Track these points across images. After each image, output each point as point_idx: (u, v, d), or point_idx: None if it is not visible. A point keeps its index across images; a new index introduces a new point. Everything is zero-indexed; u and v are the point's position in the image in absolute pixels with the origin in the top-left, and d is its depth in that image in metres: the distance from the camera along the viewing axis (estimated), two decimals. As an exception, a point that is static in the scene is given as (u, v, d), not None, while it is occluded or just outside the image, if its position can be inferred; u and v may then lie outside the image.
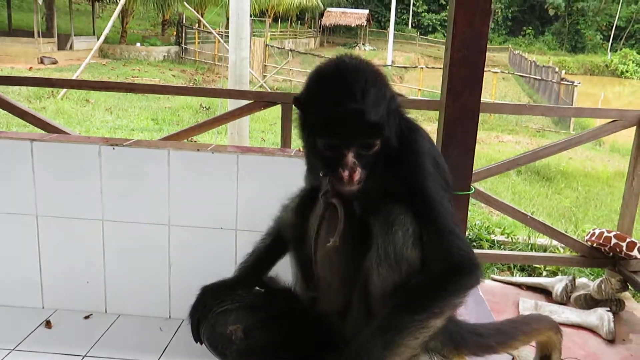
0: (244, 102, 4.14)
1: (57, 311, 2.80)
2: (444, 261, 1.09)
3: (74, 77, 13.16)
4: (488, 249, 4.71)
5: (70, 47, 23.28)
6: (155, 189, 2.73)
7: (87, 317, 2.79)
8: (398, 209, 1.11)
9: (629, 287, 3.90)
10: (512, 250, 4.80)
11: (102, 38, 15.74)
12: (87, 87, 5.03)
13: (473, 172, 3.78)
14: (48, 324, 2.69)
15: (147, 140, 3.07)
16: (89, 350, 2.55)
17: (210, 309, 1.27)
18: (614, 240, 3.84)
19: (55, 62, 19.88)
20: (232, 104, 6.88)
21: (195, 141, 6.65)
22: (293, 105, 1.22)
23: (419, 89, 19.47)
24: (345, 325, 1.20)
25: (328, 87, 1.13)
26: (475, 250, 1.23)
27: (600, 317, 3.53)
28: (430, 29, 49.57)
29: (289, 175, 2.74)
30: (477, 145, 2.66)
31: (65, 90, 12.91)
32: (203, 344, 1.33)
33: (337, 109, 1.09)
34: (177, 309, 2.83)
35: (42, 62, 19.58)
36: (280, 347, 1.27)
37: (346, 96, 1.09)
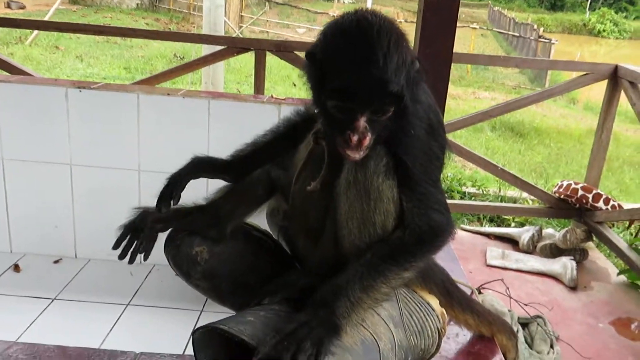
0: (217, 49, 4.06)
1: (26, 255, 2.78)
2: (424, 223, 1.10)
3: (42, 24, 12.72)
4: (459, 200, 4.78)
5: (39, -7, 22.43)
6: (125, 133, 2.68)
7: (56, 262, 2.78)
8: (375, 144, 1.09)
9: (593, 237, 4.02)
10: (482, 201, 4.88)
11: (71, -17, 15.18)
12: (54, 29, 4.87)
13: (447, 123, 3.81)
14: (17, 267, 2.68)
15: (115, 84, 3.01)
16: (58, 293, 2.55)
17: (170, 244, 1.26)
18: (580, 192, 3.93)
19: (23, 7, 19.17)
20: (206, 53, 6.75)
21: (168, 90, 6.51)
22: (305, 59, 1.13)
23: (397, 44, 19.23)
24: (315, 252, 1.21)
25: (349, 47, 1.04)
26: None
27: (564, 265, 3.63)
28: (410, -17, 48.78)
29: (262, 122, 2.72)
30: (453, 101, 2.66)
31: (33, 35, 12.52)
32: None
33: (358, 75, 1.02)
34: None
35: (9, 6, 18.86)
36: (246, 271, 1.28)
37: (368, 61, 1.02)
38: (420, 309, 1.20)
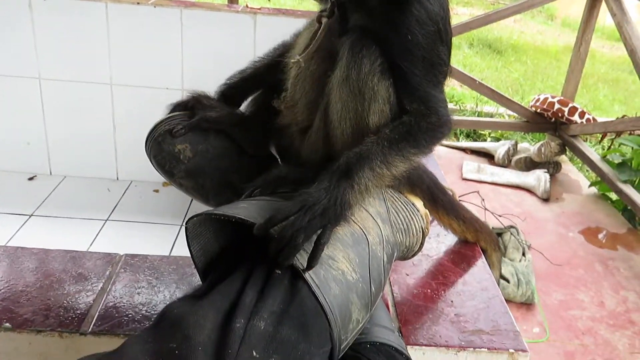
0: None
1: (-1, 172, 2.74)
2: (428, 112, 1.08)
3: None
4: (436, 116, 4.76)
5: None
6: (94, 45, 2.58)
7: (31, 179, 2.74)
8: (371, 40, 1.05)
9: (567, 151, 4.08)
10: (459, 116, 4.88)
11: None
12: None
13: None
14: (-10, 184, 2.64)
15: (82, -8, 2.86)
16: (35, 210, 2.53)
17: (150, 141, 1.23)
18: (557, 106, 3.95)
19: None
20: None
21: None
22: None
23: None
24: (302, 146, 1.20)
25: None
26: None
27: (537, 178, 3.70)
28: None
29: (237, 33, 2.64)
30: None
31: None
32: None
33: None
34: (124, 171, 2.80)
35: None
36: (231, 170, 1.26)
37: None
38: (406, 208, 1.20)
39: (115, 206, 2.63)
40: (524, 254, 2.88)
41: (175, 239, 2.47)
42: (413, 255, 1.27)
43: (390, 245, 1.11)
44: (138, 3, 2.56)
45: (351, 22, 1.10)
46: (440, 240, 1.51)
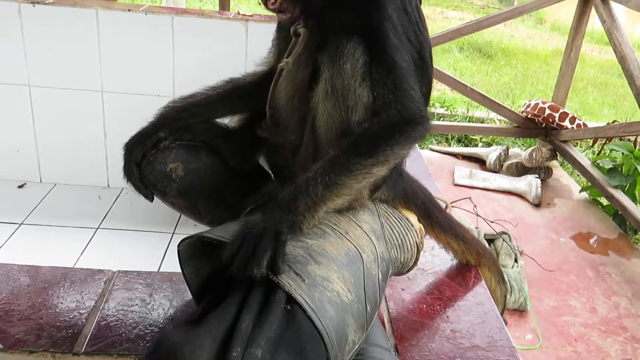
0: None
1: (-12, 180, 2.70)
2: (394, 109, 1.03)
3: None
4: (428, 121, 4.77)
5: None
6: (85, 52, 2.56)
7: (21, 187, 2.71)
8: (350, 42, 1.03)
9: (558, 156, 4.10)
10: (450, 122, 4.90)
11: None
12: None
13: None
14: (-21, 193, 2.61)
15: (72, -1, 2.84)
16: (25, 218, 2.50)
17: (144, 159, 1.21)
18: (547, 111, 3.96)
19: None
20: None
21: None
22: None
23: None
24: (294, 164, 1.19)
25: None
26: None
27: (529, 183, 3.72)
28: None
29: (228, 40, 2.63)
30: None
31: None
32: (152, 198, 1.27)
33: None
34: (115, 178, 2.78)
35: None
36: (223, 187, 1.25)
37: None
38: (400, 224, 1.20)
39: (106, 214, 2.61)
40: (516, 260, 2.89)
41: (167, 247, 2.45)
42: (408, 271, 1.27)
43: (385, 262, 1.11)
44: (129, 10, 2.54)
45: (327, 28, 1.10)
46: (434, 254, 1.50)
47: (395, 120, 1.03)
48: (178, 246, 0.97)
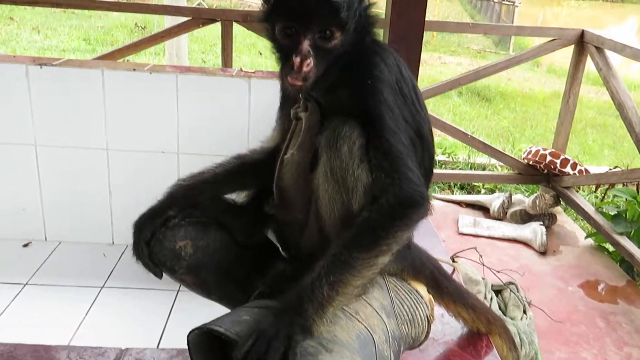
0: (182, 20, 3.94)
1: (-7, 240, 2.70)
2: (392, 193, 1.04)
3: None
4: (429, 168, 4.79)
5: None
6: (91, 111, 2.60)
7: (26, 245, 2.71)
8: (347, 124, 1.06)
9: (561, 202, 4.10)
10: (452, 169, 4.92)
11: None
12: (9, 2, 4.66)
13: (417, 92, 3.79)
14: (-16, 253, 2.60)
15: (78, 60, 2.91)
16: (30, 278, 2.49)
17: (153, 237, 1.22)
18: (549, 158, 3.99)
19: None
20: (169, 22, 6.56)
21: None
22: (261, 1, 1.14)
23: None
24: (302, 241, 1.19)
25: None
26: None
27: (533, 230, 3.71)
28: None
29: (231, 96, 2.68)
30: (420, 67, 2.64)
31: (-15, 7, 11.97)
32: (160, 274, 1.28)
33: None
34: (120, 235, 2.78)
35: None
36: (232, 264, 1.25)
37: None
38: (409, 297, 1.19)
39: (111, 272, 2.60)
40: (524, 312, 2.85)
41: (172, 305, 2.44)
42: (420, 344, 1.25)
43: (397, 340, 1.09)
44: (134, 70, 2.59)
45: (325, 108, 1.13)
46: (444, 322, 1.48)
47: (394, 205, 1.04)
48: (188, 336, 0.96)
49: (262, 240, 1.34)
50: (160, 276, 1.26)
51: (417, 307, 1.19)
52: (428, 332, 1.23)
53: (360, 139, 1.05)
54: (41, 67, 2.53)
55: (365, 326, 1.03)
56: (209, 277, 1.24)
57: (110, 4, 4.16)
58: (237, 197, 1.34)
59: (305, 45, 1.04)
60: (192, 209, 1.25)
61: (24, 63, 2.54)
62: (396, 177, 1.04)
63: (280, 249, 1.33)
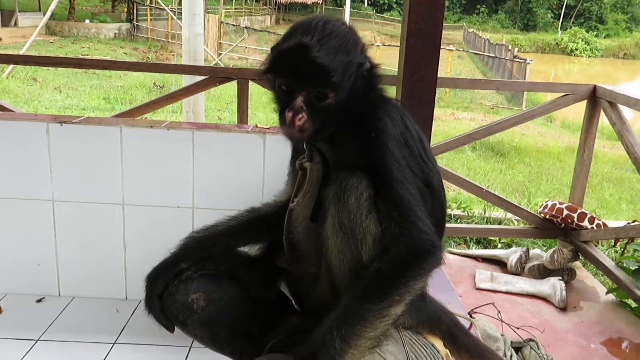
0: (199, 79, 4.05)
1: (8, 295, 2.70)
2: (403, 243, 1.04)
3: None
4: (445, 223, 4.77)
5: (15, 24, 22.30)
6: (108, 167, 2.64)
7: (39, 301, 2.70)
8: (354, 176, 1.07)
9: (580, 256, 4.03)
10: (468, 223, 4.88)
11: (48, 14, 15.03)
12: (33, 63, 4.83)
13: (431, 146, 3.82)
14: (-2, 308, 2.60)
15: (97, 117, 2.97)
16: (42, 334, 2.47)
17: (166, 290, 1.22)
18: (565, 212, 3.95)
19: (-1, 40, 19.05)
20: (186, 82, 6.73)
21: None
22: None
23: (376, 67, 19.43)
24: (314, 294, 1.18)
25: (293, 30, 1.14)
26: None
27: (552, 286, 3.63)
28: (386, 7, 49.66)
29: (246, 152, 2.71)
30: (434, 123, 2.67)
31: (10, 68, 12.40)
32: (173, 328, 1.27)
33: (287, 42, 1.11)
34: (133, 290, 2.76)
35: (-16, 39, 18.72)
36: (245, 317, 1.23)
37: (301, 33, 1.09)
38: (425, 351, 1.16)
39: (123, 328, 2.57)
40: (546, 370, 2.76)
41: (184, 362, 2.40)
42: (436, 400, 1.21)
43: (412, 394, 1.06)
44: (151, 126, 2.65)
45: (330, 161, 1.15)
46: (463, 377, 1.44)
47: (405, 254, 1.04)
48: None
49: (276, 294, 1.33)
50: (172, 330, 1.24)
51: (433, 362, 1.16)
52: (446, 388, 1.19)
53: (368, 190, 1.06)
54: (61, 125, 2.59)
55: (379, 381, 1.00)
56: (221, 331, 1.22)
57: (130, 64, 4.31)
58: (251, 250, 1.34)
59: (299, 101, 1.09)
60: (205, 261, 1.25)
61: (44, 121, 2.60)
62: (406, 226, 1.04)
63: (294, 302, 1.31)
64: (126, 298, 2.78)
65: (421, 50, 2.43)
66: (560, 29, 40.48)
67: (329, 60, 1.06)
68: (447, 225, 4.64)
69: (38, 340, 2.43)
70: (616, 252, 4.44)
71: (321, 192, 1.13)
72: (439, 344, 1.21)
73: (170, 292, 1.20)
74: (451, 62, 19.35)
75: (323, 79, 1.07)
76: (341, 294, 1.07)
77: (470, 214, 5.12)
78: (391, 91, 1.29)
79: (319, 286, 1.17)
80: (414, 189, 1.09)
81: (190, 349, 2.46)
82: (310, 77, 1.08)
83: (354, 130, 1.13)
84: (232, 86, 3.98)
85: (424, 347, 1.16)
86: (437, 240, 1.07)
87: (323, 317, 1.02)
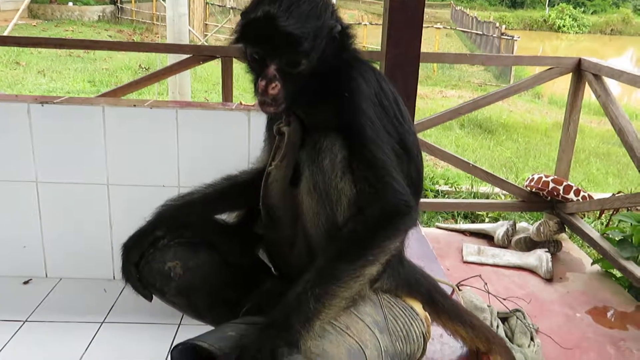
0: (183, 57, 4.01)
1: (-6, 278, 2.69)
2: (377, 204, 1.04)
3: (1, 40, 12.41)
4: (433, 198, 4.80)
5: (-4, 8, 21.95)
6: (91, 147, 2.62)
7: (26, 282, 2.69)
8: (327, 138, 1.07)
9: (566, 228, 4.07)
10: (456, 198, 4.91)
11: (30, -3, 14.84)
12: (13, 44, 4.76)
13: (417, 122, 3.82)
14: (-16, 291, 2.59)
15: (79, 97, 2.95)
16: (29, 315, 2.47)
17: (142, 259, 1.21)
18: (551, 185, 3.97)
19: (-20, 24, 18.73)
20: (172, 62, 6.67)
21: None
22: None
23: (363, 46, 19.40)
24: (291, 258, 1.18)
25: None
26: (420, 200, 1.17)
27: (539, 258, 3.67)
28: (373, -14, 49.28)
29: (231, 130, 2.69)
30: (421, 101, 2.67)
31: (-8, 52, 12.22)
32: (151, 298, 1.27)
33: (255, 11, 1.08)
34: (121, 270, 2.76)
35: (-35, 24, 18.41)
36: (223, 284, 1.23)
37: (268, 3, 1.07)
38: (404, 313, 1.17)
39: (111, 307, 2.57)
40: (532, 339, 2.80)
41: (173, 339, 2.40)
42: (416, 362, 1.23)
43: (390, 356, 1.08)
44: (134, 105, 2.62)
45: (307, 124, 1.14)
46: (443, 342, 1.46)
47: (379, 215, 1.04)
48: (172, 351, 0.95)
49: (254, 260, 1.33)
50: (150, 299, 1.25)
51: (412, 324, 1.17)
52: (424, 349, 1.21)
53: (342, 151, 1.06)
54: (42, 105, 2.56)
55: (356, 341, 1.01)
56: (199, 298, 1.22)
57: (112, 44, 4.25)
58: (228, 217, 1.34)
59: (271, 70, 1.08)
60: (181, 229, 1.25)
61: (25, 102, 2.57)
62: (380, 187, 1.04)
63: (272, 268, 1.32)
64: (114, 278, 2.77)
65: (403, 24, 2.42)
66: (548, 6, 40.35)
67: (298, 27, 1.05)
68: (435, 200, 4.67)
69: (26, 321, 2.43)
70: (602, 223, 4.49)
71: (298, 156, 1.13)
72: (417, 306, 1.22)
73: (146, 260, 1.20)
74: (439, 41, 19.28)
75: (293, 47, 1.06)
76: (317, 254, 1.08)
77: (457, 189, 5.15)
78: (360, 51, 1.27)
79: (295, 250, 1.17)
80: (389, 149, 1.09)
81: (179, 327, 2.47)
82: (280, 46, 1.07)
83: (327, 92, 1.12)
84: (218, 68, 3.94)
85: (402, 309, 1.17)
86: (412, 200, 1.07)
87: (299, 280, 1.02)
